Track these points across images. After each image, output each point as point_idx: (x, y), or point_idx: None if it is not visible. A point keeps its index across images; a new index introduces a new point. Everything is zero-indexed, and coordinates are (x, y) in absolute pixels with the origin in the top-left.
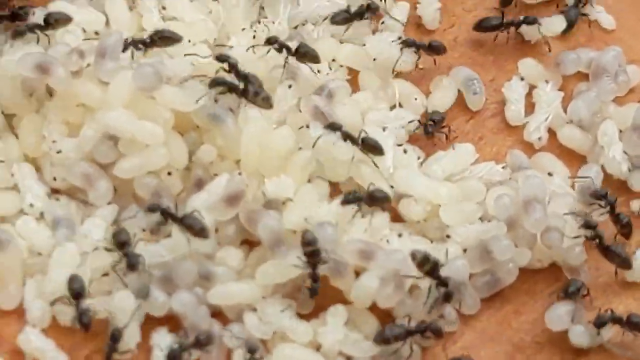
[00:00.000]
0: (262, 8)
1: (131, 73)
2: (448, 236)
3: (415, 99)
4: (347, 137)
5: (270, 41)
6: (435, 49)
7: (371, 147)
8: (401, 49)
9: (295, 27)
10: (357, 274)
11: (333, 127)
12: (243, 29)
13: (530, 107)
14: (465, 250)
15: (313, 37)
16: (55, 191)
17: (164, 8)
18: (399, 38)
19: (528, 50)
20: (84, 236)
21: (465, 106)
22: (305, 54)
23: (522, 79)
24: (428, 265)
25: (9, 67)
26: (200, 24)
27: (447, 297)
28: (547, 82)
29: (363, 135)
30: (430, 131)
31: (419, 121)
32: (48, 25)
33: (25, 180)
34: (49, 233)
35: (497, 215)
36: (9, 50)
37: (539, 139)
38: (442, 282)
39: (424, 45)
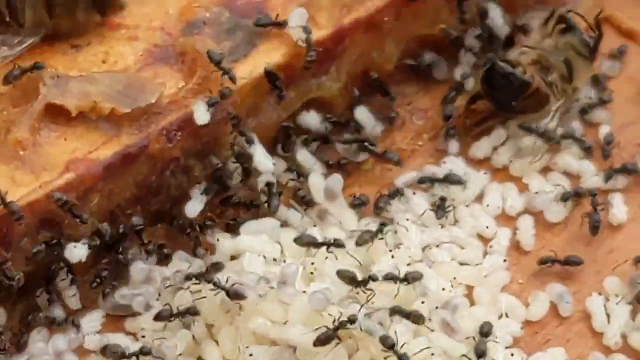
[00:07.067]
0: (395, 232)
1: (307, 297)
2: None
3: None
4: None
5: None
6: None
7: None
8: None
9: (423, 250)
10: None
11: None
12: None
13: None
14: None
15: (438, 259)
16: None
17: None
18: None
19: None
20: None
21: (556, 314)
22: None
23: (599, 293)
24: None
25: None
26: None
27: None
28: (616, 295)
29: None
30: None
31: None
32: None
33: None
34: None
35: None
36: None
37: (616, 343)
38: None
39: None
